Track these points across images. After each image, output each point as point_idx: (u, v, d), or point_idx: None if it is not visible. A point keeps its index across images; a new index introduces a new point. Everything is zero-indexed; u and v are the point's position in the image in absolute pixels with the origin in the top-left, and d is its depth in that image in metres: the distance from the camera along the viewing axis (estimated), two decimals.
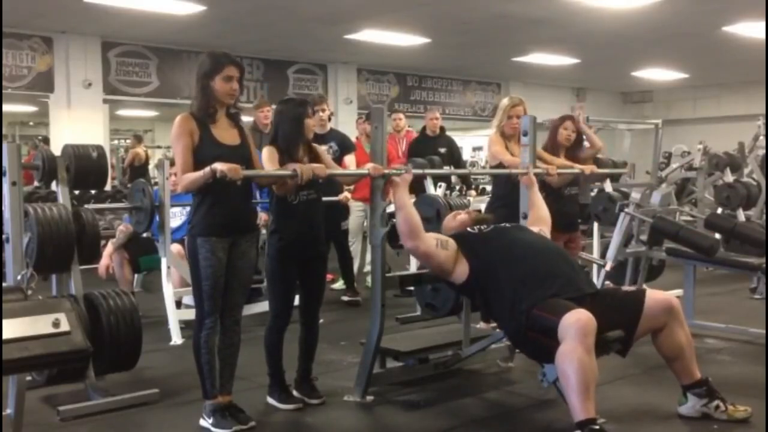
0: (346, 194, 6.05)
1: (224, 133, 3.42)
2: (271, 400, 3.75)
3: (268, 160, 3.61)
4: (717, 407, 3.43)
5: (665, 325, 3.43)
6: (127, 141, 14.77)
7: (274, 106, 7.06)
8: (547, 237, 4.02)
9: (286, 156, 3.64)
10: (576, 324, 3.07)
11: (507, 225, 3.95)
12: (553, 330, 3.13)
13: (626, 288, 4.10)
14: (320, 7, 8.85)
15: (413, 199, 5.36)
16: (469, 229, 3.82)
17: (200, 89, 3.38)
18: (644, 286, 5.43)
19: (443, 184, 6.35)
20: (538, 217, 4.22)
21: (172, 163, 4.11)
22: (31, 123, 17.21)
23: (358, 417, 3.69)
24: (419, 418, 3.67)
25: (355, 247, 7.05)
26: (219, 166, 3.17)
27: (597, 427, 3.01)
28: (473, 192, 7.86)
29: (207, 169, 3.20)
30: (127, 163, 12.74)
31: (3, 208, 3.48)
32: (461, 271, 3.61)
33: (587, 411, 3.01)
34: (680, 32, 10.27)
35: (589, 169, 4.99)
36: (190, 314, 3.92)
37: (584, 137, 5.46)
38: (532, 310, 3.28)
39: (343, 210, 6.47)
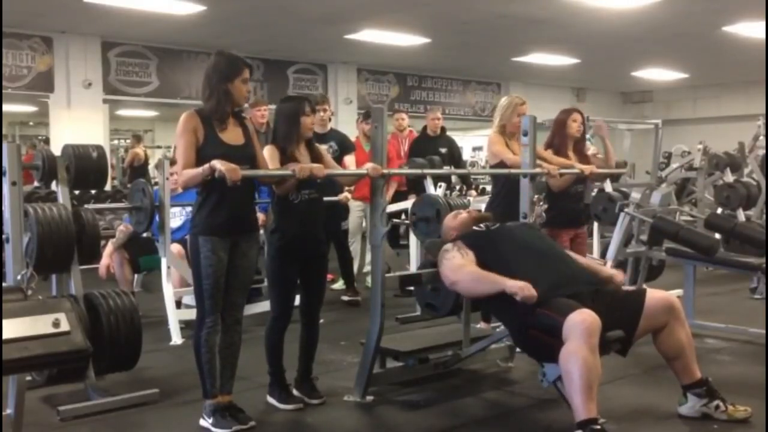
0: (346, 194, 6.05)
1: (229, 133, 3.42)
2: (271, 399, 3.75)
3: (268, 160, 3.62)
4: (717, 407, 3.43)
5: (666, 324, 3.43)
6: (127, 141, 14.77)
7: (271, 106, 7.18)
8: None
9: (284, 154, 3.65)
10: (581, 324, 3.07)
11: (512, 224, 3.95)
12: (557, 329, 3.13)
13: (626, 288, 4.10)
14: (320, 7, 8.85)
15: (413, 199, 5.38)
16: (475, 227, 3.82)
17: (218, 91, 3.38)
18: (644, 286, 5.43)
19: (443, 184, 6.35)
20: None
21: (173, 163, 4.11)
22: (31, 123, 17.21)
23: (358, 417, 3.69)
24: (419, 418, 3.67)
25: (354, 247, 7.05)
26: (218, 165, 3.17)
27: (598, 427, 3.01)
28: (473, 192, 7.85)
29: (206, 165, 3.21)
30: (127, 163, 12.73)
31: (3, 208, 3.48)
32: None
33: (589, 411, 3.02)
34: (680, 32, 10.27)
35: (589, 169, 4.98)
36: (190, 314, 3.92)
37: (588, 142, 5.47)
38: (536, 309, 3.28)
39: (343, 210, 6.47)
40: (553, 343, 3.14)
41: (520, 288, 3.30)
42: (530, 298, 3.28)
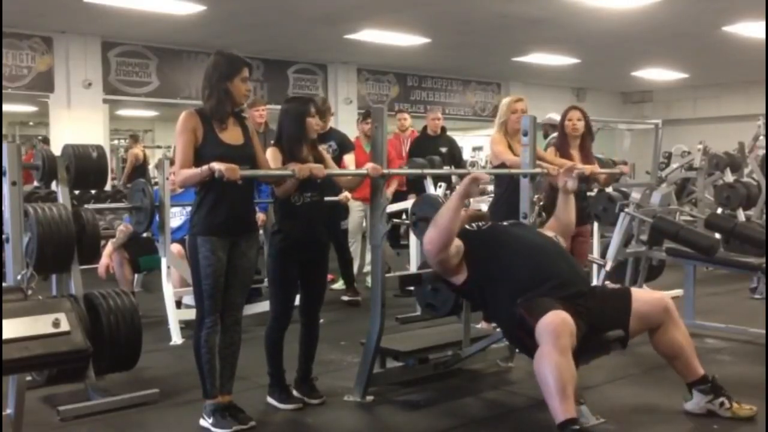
0: (346, 194, 6.05)
1: (229, 133, 3.42)
2: (271, 400, 3.75)
3: (271, 161, 3.62)
4: (722, 404, 3.43)
5: (661, 324, 3.44)
6: (126, 141, 14.73)
7: (270, 106, 7.18)
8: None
9: (289, 156, 3.64)
10: (549, 326, 3.09)
11: (505, 223, 3.94)
12: (532, 331, 3.16)
13: (611, 286, 4.11)
14: (320, 7, 8.85)
15: (413, 199, 5.38)
16: (467, 226, 3.81)
17: (217, 91, 3.38)
18: (644, 286, 5.44)
19: (443, 184, 6.35)
20: (565, 225, 4.10)
21: (173, 163, 4.11)
22: (31, 123, 17.20)
23: (358, 417, 3.69)
24: (419, 418, 3.67)
25: (355, 247, 7.05)
26: (217, 166, 3.17)
27: (578, 427, 3.02)
28: None
29: (205, 167, 3.21)
30: (129, 167, 12.60)
31: (3, 208, 3.48)
32: (461, 274, 3.62)
33: (566, 411, 3.02)
34: (680, 32, 10.28)
35: (590, 168, 4.98)
36: (190, 314, 3.92)
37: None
38: (520, 311, 3.30)
39: (342, 210, 6.46)
40: (534, 344, 3.16)
41: (472, 180, 3.52)
42: (480, 178, 3.54)
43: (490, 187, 5.98)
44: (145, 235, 5.34)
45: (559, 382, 3.01)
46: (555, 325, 3.08)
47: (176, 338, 5.06)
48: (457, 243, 3.61)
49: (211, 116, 3.38)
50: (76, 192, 5.88)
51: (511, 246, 3.61)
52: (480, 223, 3.84)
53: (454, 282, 3.68)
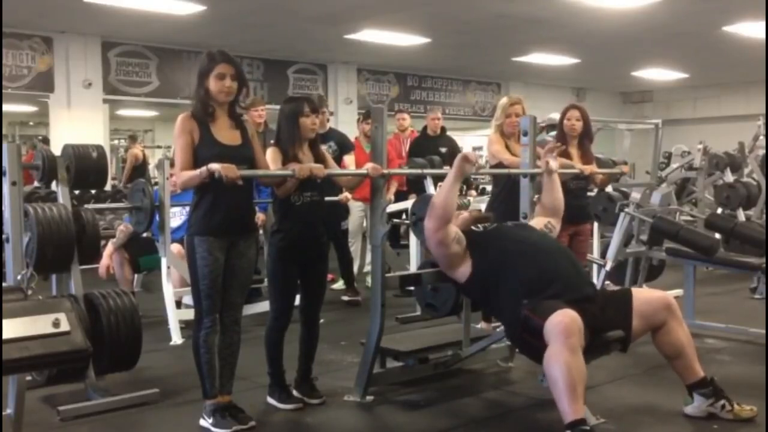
0: (346, 194, 6.05)
1: (225, 133, 3.42)
2: (271, 400, 3.75)
3: (270, 162, 3.62)
4: (723, 407, 3.43)
5: (664, 323, 3.44)
6: (125, 141, 14.73)
7: (269, 106, 7.18)
8: (553, 232, 4.02)
9: (285, 155, 3.65)
10: (559, 326, 3.09)
11: (509, 224, 3.95)
12: (540, 331, 3.16)
13: (611, 287, 4.11)
14: (320, 7, 8.85)
15: (413, 199, 5.38)
16: (472, 227, 3.82)
17: (198, 88, 3.41)
18: (644, 286, 5.43)
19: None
20: (552, 207, 4.13)
21: (173, 164, 4.12)
22: (31, 123, 17.20)
23: (358, 417, 3.69)
24: (419, 418, 3.67)
25: (355, 247, 7.05)
26: (215, 166, 3.17)
27: (587, 427, 3.02)
28: (473, 192, 7.86)
29: (203, 168, 3.21)
30: (129, 167, 12.60)
31: (3, 208, 3.48)
32: (464, 269, 3.62)
33: (576, 412, 3.02)
34: (680, 32, 10.28)
35: (589, 168, 4.98)
36: (190, 314, 3.91)
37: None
38: (525, 312, 3.30)
39: (342, 210, 6.46)
40: (541, 345, 3.16)
41: (463, 159, 3.70)
42: (470, 156, 3.70)
43: (489, 187, 5.98)
44: (145, 235, 5.35)
45: (569, 382, 3.01)
46: (565, 324, 3.08)
47: (176, 338, 5.06)
48: (456, 230, 3.64)
49: (198, 114, 3.38)
50: (76, 192, 5.88)
51: (517, 247, 3.61)
52: (485, 225, 3.85)
53: (457, 278, 3.68)
